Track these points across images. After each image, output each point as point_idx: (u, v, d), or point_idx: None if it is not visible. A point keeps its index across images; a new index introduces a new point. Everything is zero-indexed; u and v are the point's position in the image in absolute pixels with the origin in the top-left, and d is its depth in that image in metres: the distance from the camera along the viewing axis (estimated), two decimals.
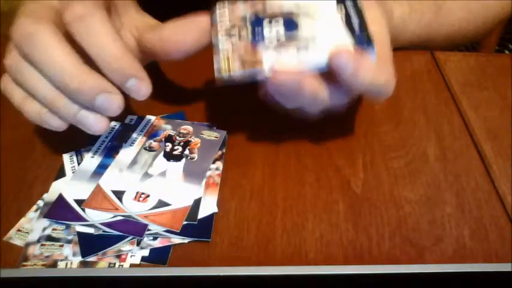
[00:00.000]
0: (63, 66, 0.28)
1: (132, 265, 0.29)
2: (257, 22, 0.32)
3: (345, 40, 0.30)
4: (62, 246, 0.30)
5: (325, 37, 0.31)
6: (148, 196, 0.32)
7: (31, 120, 0.31)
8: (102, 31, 0.28)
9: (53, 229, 0.31)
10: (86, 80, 0.28)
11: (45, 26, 0.28)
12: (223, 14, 0.33)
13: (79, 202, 0.32)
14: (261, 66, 0.31)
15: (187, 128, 0.38)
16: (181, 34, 0.32)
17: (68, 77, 0.28)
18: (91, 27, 0.28)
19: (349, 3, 0.32)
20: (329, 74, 0.31)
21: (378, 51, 0.30)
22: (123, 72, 0.29)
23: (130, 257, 0.30)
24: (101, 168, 0.34)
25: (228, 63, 0.31)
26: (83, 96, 0.29)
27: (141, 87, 0.30)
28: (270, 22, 0.32)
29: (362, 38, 0.30)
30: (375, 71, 0.30)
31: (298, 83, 0.30)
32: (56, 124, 0.31)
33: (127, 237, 0.30)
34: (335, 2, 0.32)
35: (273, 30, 0.31)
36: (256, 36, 0.32)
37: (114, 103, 0.29)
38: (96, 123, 0.30)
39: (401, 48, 0.47)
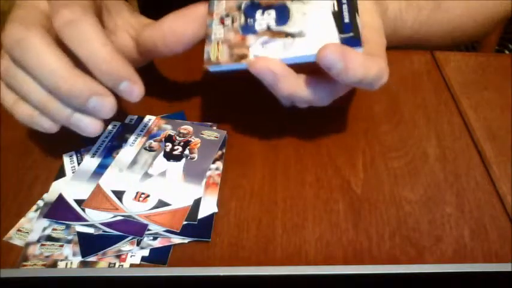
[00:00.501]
0: (54, 70, 0.28)
1: (132, 265, 0.29)
2: (250, 12, 0.32)
3: (332, 35, 0.30)
4: (62, 246, 0.30)
5: (313, 32, 0.30)
6: (148, 196, 0.32)
7: (22, 123, 0.31)
8: (92, 36, 0.28)
9: (53, 229, 0.31)
10: (77, 83, 0.28)
11: (35, 31, 0.28)
12: (221, 3, 0.33)
13: (79, 202, 0.32)
14: (247, 61, 0.31)
15: (187, 128, 0.38)
16: (181, 26, 0.32)
17: (59, 80, 0.28)
18: (80, 32, 0.28)
19: None
20: (312, 70, 0.30)
21: (369, 42, 0.30)
22: (114, 75, 0.29)
23: (130, 257, 0.30)
24: (101, 168, 0.34)
25: (217, 53, 0.31)
26: (75, 99, 0.29)
27: (134, 89, 0.30)
28: (263, 13, 0.31)
29: (350, 33, 0.29)
30: (365, 64, 0.29)
31: (273, 77, 0.30)
32: (48, 126, 0.31)
33: (127, 237, 0.30)
34: None
35: (264, 23, 0.31)
36: (247, 27, 0.31)
37: (107, 106, 0.30)
38: (89, 126, 0.31)
39: (401, 48, 0.47)
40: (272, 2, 0.32)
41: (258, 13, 0.31)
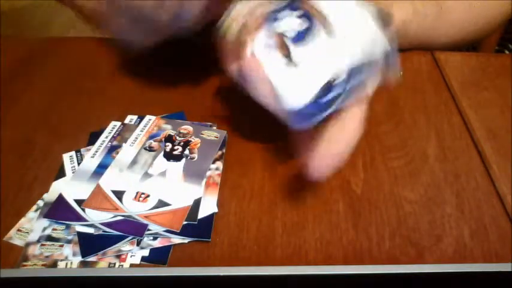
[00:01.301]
0: None
1: (132, 265, 0.29)
2: (287, 8, 0.31)
3: (309, 92, 0.30)
4: (62, 246, 0.30)
5: (304, 74, 0.30)
6: (148, 196, 0.32)
7: None
8: None
9: (53, 229, 0.31)
10: None
11: None
12: None
13: (79, 202, 0.32)
14: (244, 51, 0.31)
15: (187, 128, 0.38)
16: None
17: None
18: None
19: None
20: None
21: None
22: None
23: (130, 257, 0.30)
24: (101, 168, 0.34)
25: (228, 28, 0.32)
26: None
27: None
28: (296, 16, 0.31)
29: (320, 110, 0.30)
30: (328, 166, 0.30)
31: (256, 85, 0.30)
32: None
33: (127, 237, 0.30)
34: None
35: (286, 27, 0.30)
36: (271, 20, 0.31)
37: None
38: None
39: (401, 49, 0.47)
40: (315, 12, 0.31)
41: (293, 15, 0.31)
